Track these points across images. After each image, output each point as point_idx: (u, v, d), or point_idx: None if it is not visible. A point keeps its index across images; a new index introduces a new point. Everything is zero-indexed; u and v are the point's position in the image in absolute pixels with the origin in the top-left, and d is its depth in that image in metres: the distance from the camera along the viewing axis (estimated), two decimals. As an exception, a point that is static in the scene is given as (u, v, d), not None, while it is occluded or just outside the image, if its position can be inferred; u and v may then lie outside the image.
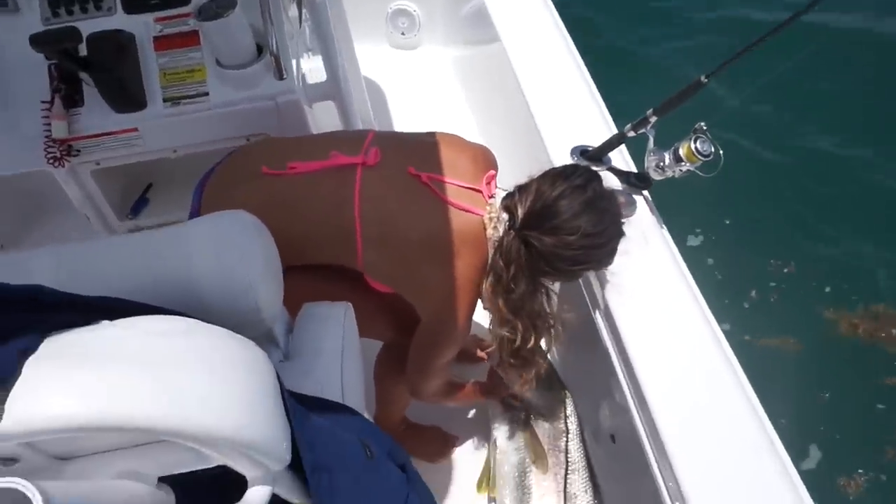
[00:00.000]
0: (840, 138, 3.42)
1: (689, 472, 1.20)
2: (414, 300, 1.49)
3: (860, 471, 2.31)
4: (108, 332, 0.65)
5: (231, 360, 0.70)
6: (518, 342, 1.42)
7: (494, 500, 1.78)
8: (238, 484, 0.79)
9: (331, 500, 0.86)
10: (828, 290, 2.79)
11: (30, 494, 0.52)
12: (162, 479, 0.79)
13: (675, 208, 2.66)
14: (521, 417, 1.82)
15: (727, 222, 3.07)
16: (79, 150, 1.88)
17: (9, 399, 0.56)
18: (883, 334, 2.63)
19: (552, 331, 1.50)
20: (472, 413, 2.03)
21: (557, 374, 1.91)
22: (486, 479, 1.81)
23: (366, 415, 1.50)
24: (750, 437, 1.23)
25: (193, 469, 0.74)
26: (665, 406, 1.31)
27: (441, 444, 1.96)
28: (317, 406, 0.93)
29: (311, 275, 1.47)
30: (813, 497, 1.17)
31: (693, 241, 2.93)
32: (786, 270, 2.87)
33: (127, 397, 0.60)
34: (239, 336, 0.76)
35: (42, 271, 0.93)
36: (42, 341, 0.61)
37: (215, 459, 0.72)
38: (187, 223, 1.01)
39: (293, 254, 1.44)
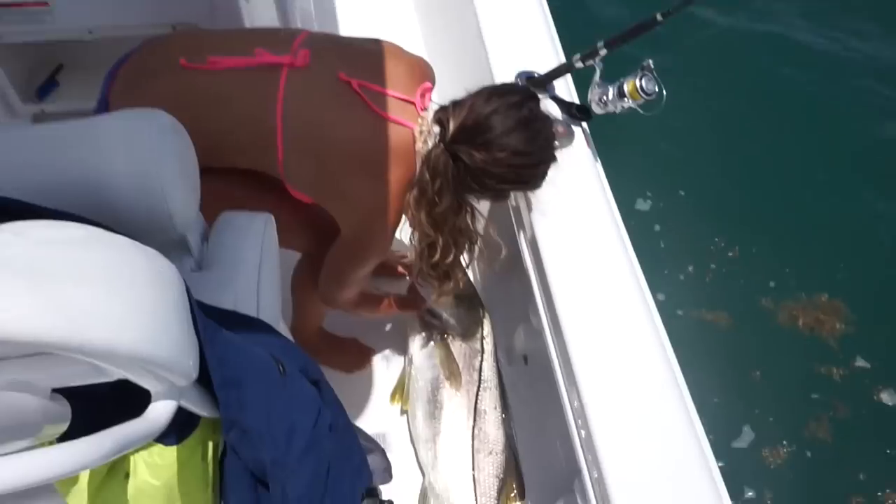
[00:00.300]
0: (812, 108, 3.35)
1: (593, 394, 1.26)
2: (335, 212, 1.45)
3: (784, 442, 2.35)
4: (-4, 237, 0.60)
5: (132, 272, 0.66)
6: (437, 256, 1.42)
7: (406, 412, 1.82)
8: (142, 396, 0.77)
9: (241, 416, 0.85)
10: (772, 284, 2.78)
11: None
12: (57, 391, 0.76)
13: (630, 169, 2.66)
14: (437, 335, 1.84)
15: (681, 193, 3.00)
16: (-23, 20, 1.69)
17: None
18: (823, 325, 2.64)
19: (474, 248, 1.49)
20: (389, 326, 2.05)
21: (478, 295, 1.94)
22: (400, 392, 1.85)
23: (282, 328, 1.50)
24: (656, 369, 1.29)
25: (90, 382, 0.71)
26: (578, 334, 1.35)
27: (358, 355, 1.98)
28: (229, 320, 0.91)
29: (230, 179, 1.40)
30: (715, 447, 1.25)
31: (642, 204, 2.88)
32: (730, 254, 2.84)
33: (10, 308, 0.56)
34: (143, 246, 0.71)
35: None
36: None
37: (115, 373, 0.69)
38: (98, 118, 0.93)
39: (210, 155, 1.36)
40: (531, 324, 1.60)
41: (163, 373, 0.70)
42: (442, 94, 2.57)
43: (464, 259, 1.54)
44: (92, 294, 0.60)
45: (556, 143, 1.46)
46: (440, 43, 2.62)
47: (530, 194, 1.55)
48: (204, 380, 0.84)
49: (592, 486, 1.20)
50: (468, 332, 1.86)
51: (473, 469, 1.70)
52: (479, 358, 1.84)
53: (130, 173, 0.86)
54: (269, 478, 0.89)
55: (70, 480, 0.96)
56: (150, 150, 0.86)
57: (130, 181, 0.86)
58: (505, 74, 1.79)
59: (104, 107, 1.40)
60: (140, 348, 0.63)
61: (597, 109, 1.65)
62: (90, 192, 0.85)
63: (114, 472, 0.96)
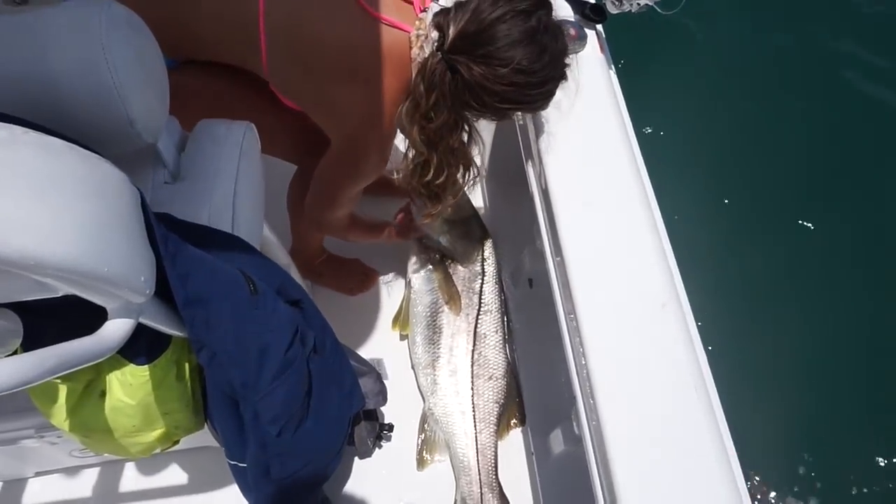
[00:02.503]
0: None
1: (592, 322, 1.20)
2: (323, 121, 1.35)
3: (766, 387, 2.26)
4: None
5: (67, 178, 0.60)
6: (430, 176, 1.33)
7: (406, 337, 1.79)
8: (98, 313, 0.73)
9: (207, 335, 0.81)
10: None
11: None
12: (6, 306, 0.71)
13: (649, 83, 2.39)
14: (436, 258, 1.77)
15: (703, 111, 2.70)
16: None
17: None
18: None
19: (469, 171, 1.39)
20: (394, 248, 1.98)
21: (478, 216, 1.85)
22: (403, 318, 1.80)
23: (276, 248, 1.45)
24: (660, 296, 1.22)
25: (37, 297, 0.66)
26: (580, 257, 1.28)
27: (361, 276, 1.93)
28: (197, 235, 0.85)
29: (213, 77, 1.31)
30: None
31: (660, 122, 2.53)
32: (750, 183, 2.56)
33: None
34: (84, 151, 0.64)
35: None
36: None
37: (60, 289, 0.64)
38: (44, 9, 0.84)
39: (189, 46, 1.28)
40: (536, 246, 1.52)
41: (109, 288, 0.65)
42: None
43: (460, 180, 1.43)
44: (12, 200, 0.54)
45: (568, 60, 1.31)
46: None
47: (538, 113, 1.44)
48: (170, 298, 0.79)
49: (587, 414, 1.16)
50: (467, 254, 1.78)
51: (473, 395, 1.67)
52: (480, 281, 1.78)
53: (77, 71, 0.78)
54: (241, 400, 0.86)
55: (45, 398, 0.94)
56: (99, 44, 0.77)
57: (79, 80, 0.78)
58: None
59: None
60: (73, 260, 0.57)
61: (611, 9, 1.51)
62: (36, 91, 0.78)
63: (90, 390, 0.93)
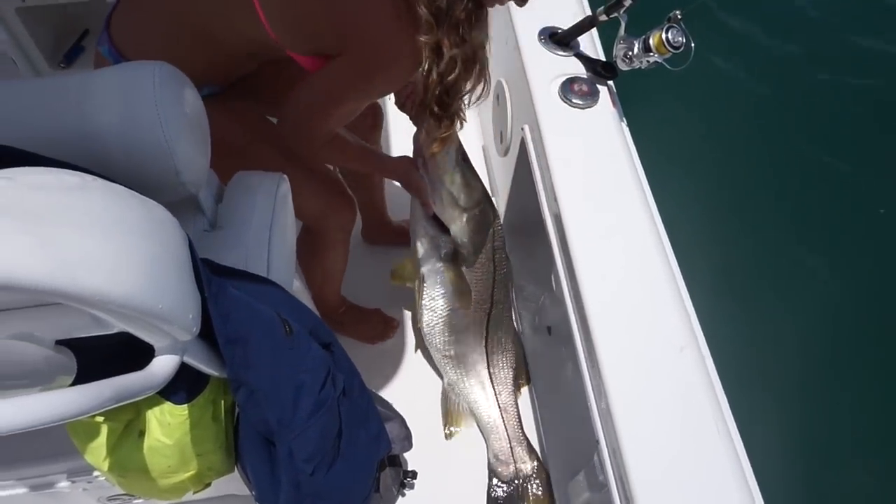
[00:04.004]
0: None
1: (613, 367, 1.22)
2: (339, 43, 1.28)
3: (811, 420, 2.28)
4: (-15, 183, 0.59)
5: (130, 221, 0.65)
6: (441, 67, 1.25)
7: (420, 329, 1.79)
8: (148, 353, 0.77)
9: (245, 373, 0.85)
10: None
11: None
12: (62, 343, 0.75)
13: (659, 132, 2.47)
14: (448, 255, 1.71)
15: (711, 157, 2.82)
16: (-1, -17, 1.70)
17: None
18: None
19: (483, 78, 1.34)
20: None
21: (490, 200, 1.79)
22: (419, 312, 1.78)
23: (304, 295, 1.49)
24: (679, 341, 1.24)
25: (92, 334, 0.71)
26: (599, 305, 1.30)
27: (381, 326, 1.98)
28: (237, 278, 0.90)
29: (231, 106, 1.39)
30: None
31: (672, 171, 2.58)
32: (759, 229, 2.66)
33: (4, 254, 0.55)
34: (143, 197, 0.70)
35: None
36: None
37: (115, 325, 0.68)
38: (98, 70, 0.91)
39: (206, 50, 1.33)
40: (554, 294, 1.56)
41: (161, 325, 0.69)
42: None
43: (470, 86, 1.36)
44: (85, 240, 0.59)
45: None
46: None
47: (553, 162, 1.49)
48: (210, 337, 0.83)
49: (610, 459, 1.17)
50: (479, 248, 1.74)
51: (489, 366, 1.77)
52: (492, 274, 1.77)
53: (129, 125, 0.85)
54: (276, 438, 0.88)
55: (87, 437, 0.98)
56: (152, 102, 0.84)
57: (130, 135, 0.85)
58: (527, 30, 1.73)
59: (105, 39, 1.37)
60: (134, 298, 0.61)
61: (622, 66, 1.58)
62: (90, 145, 0.84)
63: (129, 430, 0.96)
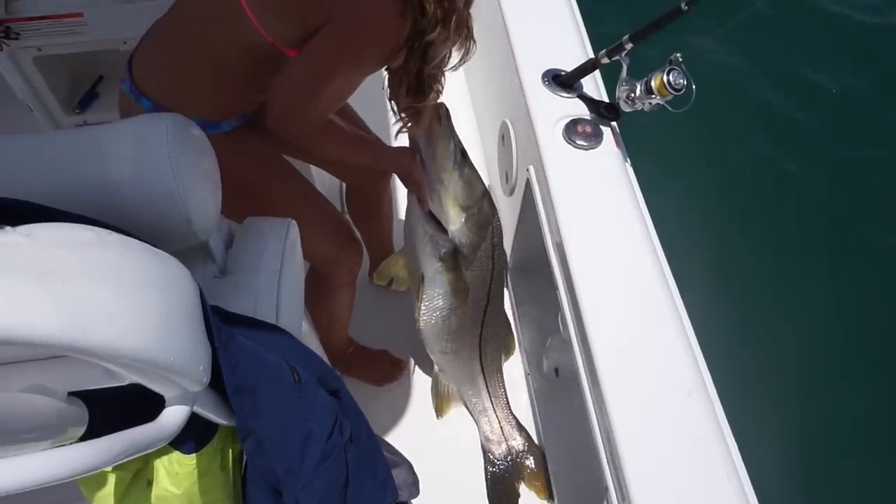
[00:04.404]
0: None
1: (620, 412, 1.21)
2: (323, 18, 1.23)
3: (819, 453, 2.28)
4: (6, 239, 0.60)
5: (144, 275, 0.66)
6: (424, 23, 1.20)
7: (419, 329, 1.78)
8: (157, 402, 0.77)
9: (254, 423, 0.85)
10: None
11: None
12: (74, 394, 0.76)
13: (663, 171, 2.51)
14: (447, 255, 1.67)
15: (715, 196, 2.86)
16: (18, 33, 1.74)
17: None
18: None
19: (469, 37, 1.32)
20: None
21: (490, 197, 1.73)
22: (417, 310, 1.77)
23: (312, 338, 1.50)
24: (685, 379, 1.24)
25: (104, 386, 0.71)
26: (607, 346, 1.30)
27: (389, 368, 1.98)
28: (246, 326, 0.91)
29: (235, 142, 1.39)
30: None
31: (675, 209, 2.63)
32: (763, 263, 2.70)
33: (21, 311, 0.56)
34: (156, 250, 0.71)
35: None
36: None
37: (127, 377, 0.69)
38: (112, 123, 0.93)
39: (215, 72, 1.34)
40: (561, 336, 1.56)
41: (173, 377, 0.69)
42: (471, 89, 2.55)
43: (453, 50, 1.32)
44: (99, 295, 0.60)
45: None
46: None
47: (558, 203, 1.51)
48: (219, 386, 0.84)
49: None
50: (478, 248, 1.70)
51: (482, 357, 1.81)
52: (490, 272, 1.75)
53: (143, 178, 0.87)
54: (284, 488, 0.88)
55: (96, 486, 0.97)
56: (165, 153, 0.86)
57: (144, 186, 0.87)
58: (531, 72, 1.77)
59: (127, 77, 1.40)
60: (146, 351, 0.62)
61: (625, 107, 1.60)
62: (104, 197, 0.86)
63: (137, 479, 0.96)
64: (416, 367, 2.02)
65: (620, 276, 1.41)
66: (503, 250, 1.78)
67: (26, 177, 0.88)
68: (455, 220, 1.62)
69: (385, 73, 1.57)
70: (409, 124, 1.45)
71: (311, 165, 1.85)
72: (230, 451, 0.97)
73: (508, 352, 1.93)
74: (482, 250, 1.70)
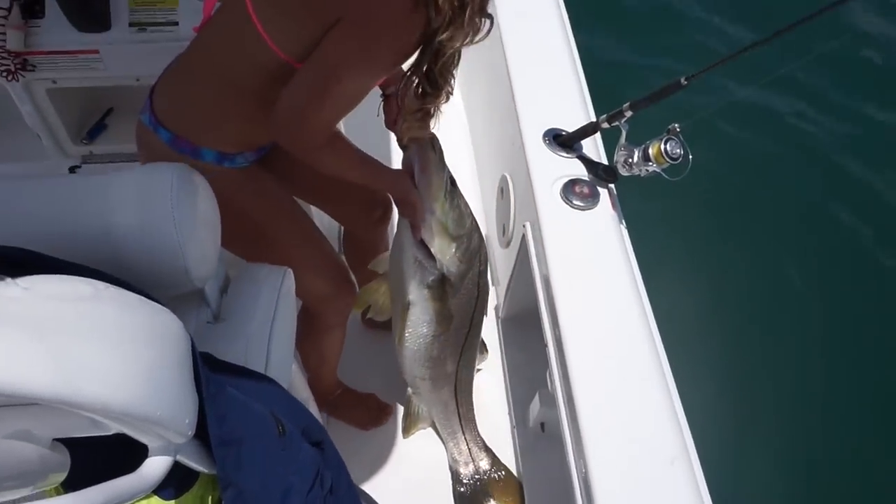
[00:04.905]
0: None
1: (600, 468, 1.21)
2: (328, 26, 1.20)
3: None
4: (5, 291, 0.62)
5: (138, 331, 0.68)
6: (437, 22, 1.17)
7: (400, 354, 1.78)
8: (140, 450, 0.78)
9: (237, 474, 0.85)
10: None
11: None
12: (61, 440, 0.77)
13: (658, 234, 2.57)
14: (435, 283, 1.65)
15: (710, 261, 2.95)
16: (34, 66, 1.79)
17: None
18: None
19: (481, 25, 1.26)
20: (410, 389, 2.03)
21: (479, 230, 1.72)
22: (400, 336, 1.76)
23: (297, 376, 1.50)
24: (668, 447, 1.24)
25: (90, 434, 0.72)
26: (592, 407, 1.31)
27: (376, 412, 1.98)
28: (235, 375, 0.92)
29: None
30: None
31: (668, 273, 2.68)
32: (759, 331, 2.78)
33: (12, 364, 0.57)
34: (152, 304, 0.73)
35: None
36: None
37: (112, 427, 0.70)
38: (115, 172, 0.96)
39: (233, 101, 1.36)
40: (548, 390, 1.57)
41: (158, 430, 0.70)
42: (470, 140, 2.59)
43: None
44: (93, 351, 0.61)
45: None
46: (474, 95, 2.67)
47: (552, 262, 1.53)
48: (204, 436, 0.84)
49: None
50: (464, 273, 1.68)
51: (456, 383, 1.83)
52: (475, 301, 1.73)
53: (145, 227, 0.89)
54: (262, 540, 0.88)
55: (71, 528, 0.97)
56: (166, 204, 0.89)
57: (145, 234, 0.89)
58: (533, 130, 1.81)
59: (147, 108, 1.42)
60: (134, 406, 0.63)
61: (622, 171, 1.64)
62: (105, 244, 0.88)
63: (115, 522, 0.96)
64: (402, 412, 2.01)
65: (609, 338, 1.42)
66: (487, 279, 1.77)
67: (29, 220, 0.90)
68: (446, 250, 1.61)
69: (380, 99, 1.61)
70: (419, 127, 1.44)
71: (312, 207, 1.88)
72: (209, 498, 0.97)
73: (482, 359, 1.98)
74: (469, 278, 1.69)
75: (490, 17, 1.27)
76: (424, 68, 1.28)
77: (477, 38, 1.27)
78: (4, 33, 1.71)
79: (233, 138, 1.41)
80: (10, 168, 2.07)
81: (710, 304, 2.75)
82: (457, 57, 1.31)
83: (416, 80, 1.31)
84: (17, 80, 1.78)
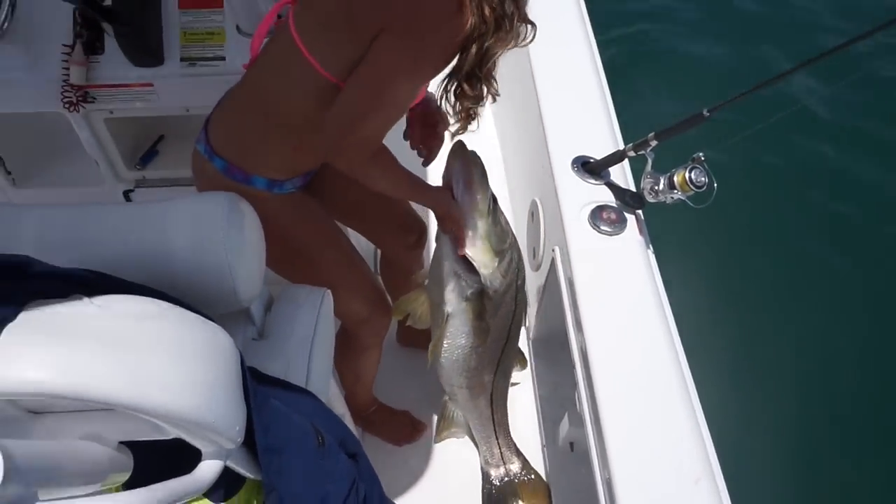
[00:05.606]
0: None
1: (626, 487, 1.25)
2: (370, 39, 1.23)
3: None
4: (84, 309, 0.70)
5: (196, 346, 0.76)
6: (482, 30, 1.21)
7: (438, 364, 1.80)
8: (194, 455, 0.85)
9: (278, 481, 0.92)
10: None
11: (-10, 452, 0.57)
12: (122, 443, 0.85)
13: (685, 260, 2.61)
14: (474, 295, 1.68)
15: (735, 284, 2.99)
16: (94, 98, 1.92)
17: (-14, 361, 0.62)
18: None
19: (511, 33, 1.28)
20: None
21: (517, 245, 1.78)
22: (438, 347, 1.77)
23: (338, 398, 1.58)
24: (693, 466, 1.27)
25: (152, 438, 0.80)
26: (619, 427, 1.34)
27: (409, 429, 2.03)
28: (278, 387, 0.99)
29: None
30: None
31: (696, 297, 2.73)
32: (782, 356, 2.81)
33: (91, 373, 0.65)
34: (208, 322, 0.81)
35: (29, 229, 0.99)
36: (21, 311, 0.66)
37: (172, 433, 0.78)
38: (172, 200, 1.05)
39: (284, 130, 1.44)
40: (577, 410, 1.61)
41: (212, 436, 0.78)
42: (506, 164, 2.64)
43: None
44: (159, 363, 0.69)
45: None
46: (505, 121, 2.74)
47: (580, 287, 1.58)
48: (250, 443, 0.92)
49: None
50: (505, 288, 1.72)
51: (493, 392, 1.84)
52: (512, 314, 1.76)
53: (199, 251, 0.97)
54: (300, 544, 0.94)
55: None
56: (218, 230, 0.97)
57: (199, 258, 0.97)
58: (562, 157, 1.86)
59: (203, 138, 1.51)
60: (193, 413, 0.71)
61: (649, 198, 1.68)
62: (162, 266, 0.96)
63: (166, 523, 1.04)
64: (434, 428, 2.06)
65: (636, 360, 1.46)
66: (525, 293, 1.81)
67: (94, 245, 0.99)
68: (488, 264, 1.64)
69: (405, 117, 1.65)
70: (464, 128, 1.46)
71: (349, 229, 1.96)
72: (254, 502, 1.04)
73: (519, 369, 1.98)
74: (508, 292, 1.72)
75: (532, 23, 1.31)
76: (471, 71, 1.29)
77: (521, 44, 1.30)
78: (68, 68, 1.85)
79: (282, 165, 1.49)
80: (69, 192, 2.21)
81: (736, 328, 2.75)
82: (498, 60, 1.32)
83: (457, 84, 1.33)
84: (79, 111, 1.92)
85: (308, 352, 1.15)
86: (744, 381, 2.59)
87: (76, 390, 0.64)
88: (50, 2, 1.80)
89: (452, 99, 1.37)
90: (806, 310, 2.91)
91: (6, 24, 1.59)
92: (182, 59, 1.88)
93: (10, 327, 0.65)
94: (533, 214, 2.10)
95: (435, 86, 1.44)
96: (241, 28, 1.85)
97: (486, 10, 1.19)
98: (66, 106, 1.89)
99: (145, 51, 1.86)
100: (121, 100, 1.93)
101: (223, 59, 1.88)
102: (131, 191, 2.24)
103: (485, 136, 2.21)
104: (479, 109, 1.42)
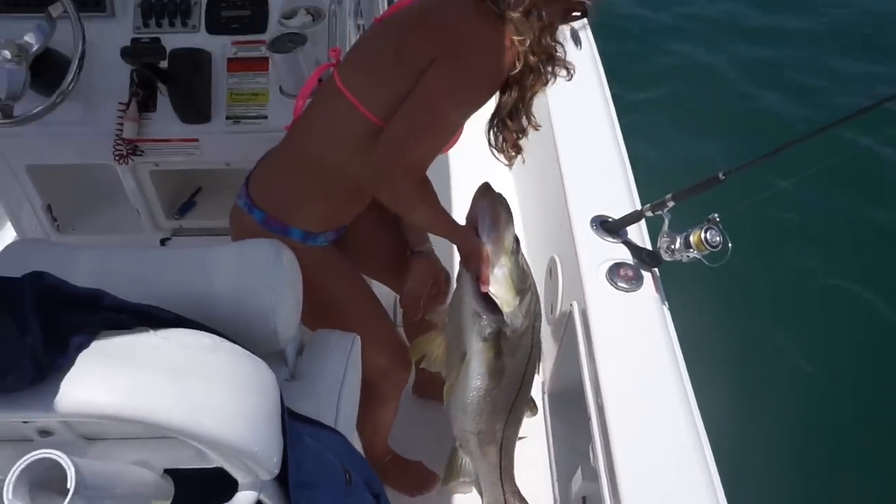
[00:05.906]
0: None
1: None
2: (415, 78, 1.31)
3: None
4: (149, 340, 0.78)
5: (245, 378, 0.83)
6: (521, 69, 1.29)
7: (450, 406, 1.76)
8: (230, 486, 0.91)
9: (308, 515, 0.97)
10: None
11: (66, 466, 0.64)
12: (166, 471, 0.91)
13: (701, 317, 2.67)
14: (492, 335, 1.65)
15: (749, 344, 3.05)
16: (143, 151, 2.05)
17: (62, 382, 0.69)
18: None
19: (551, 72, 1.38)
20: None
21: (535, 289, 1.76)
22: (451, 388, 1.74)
23: (356, 440, 1.62)
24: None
25: (195, 466, 0.86)
26: (633, 481, 1.37)
27: (423, 480, 2.05)
28: (311, 426, 1.05)
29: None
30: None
31: (710, 351, 2.77)
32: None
33: (153, 398, 0.73)
34: (255, 357, 0.88)
35: (87, 266, 1.08)
36: (94, 339, 0.74)
37: (214, 461, 0.84)
38: (214, 246, 1.14)
39: (324, 186, 1.52)
40: (590, 464, 1.63)
41: (252, 465, 0.84)
42: (525, 222, 2.71)
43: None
44: (213, 393, 0.76)
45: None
46: (525, 180, 2.84)
47: (597, 343, 1.63)
48: (282, 478, 0.97)
49: None
50: (524, 329, 1.69)
51: (503, 441, 1.76)
52: (527, 358, 1.72)
53: (244, 293, 1.05)
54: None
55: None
56: (263, 275, 1.05)
57: (242, 301, 1.05)
58: (581, 216, 1.94)
59: (244, 194, 1.60)
60: (239, 441, 0.77)
61: (665, 256, 1.74)
62: (205, 308, 1.04)
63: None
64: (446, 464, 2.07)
65: (651, 415, 1.49)
66: (540, 337, 1.79)
67: (141, 285, 1.07)
68: (511, 302, 1.64)
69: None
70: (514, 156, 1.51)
71: (373, 280, 2.04)
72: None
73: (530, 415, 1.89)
74: (526, 334, 1.70)
75: (571, 66, 1.41)
76: (513, 104, 1.37)
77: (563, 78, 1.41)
78: (122, 124, 1.99)
79: (318, 218, 1.58)
80: (110, 238, 2.32)
81: (752, 386, 2.76)
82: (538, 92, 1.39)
83: (500, 120, 1.42)
84: (127, 164, 2.04)
85: (337, 394, 1.21)
86: (759, 440, 2.58)
87: (140, 414, 0.71)
88: (111, 64, 1.95)
89: (498, 135, 1.45)
90: (827, 364, 2.92)
91: (72, 86, 1.72)
92: (227, 118, 2.01)
93: (84, 354, 0.73)
94: (551, 271, 2.17)
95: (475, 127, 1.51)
96: (283, 89, 1.99)
97: (531, 58, 1.29)
98: (117, 158, 2.01)
99: (194, 109, 1.99)
100: (167, 153, 2.06)
101: (265, 117, 2.00)
102: (168, 239, 2.35)
103: (503, 193, 2.30)
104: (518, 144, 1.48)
